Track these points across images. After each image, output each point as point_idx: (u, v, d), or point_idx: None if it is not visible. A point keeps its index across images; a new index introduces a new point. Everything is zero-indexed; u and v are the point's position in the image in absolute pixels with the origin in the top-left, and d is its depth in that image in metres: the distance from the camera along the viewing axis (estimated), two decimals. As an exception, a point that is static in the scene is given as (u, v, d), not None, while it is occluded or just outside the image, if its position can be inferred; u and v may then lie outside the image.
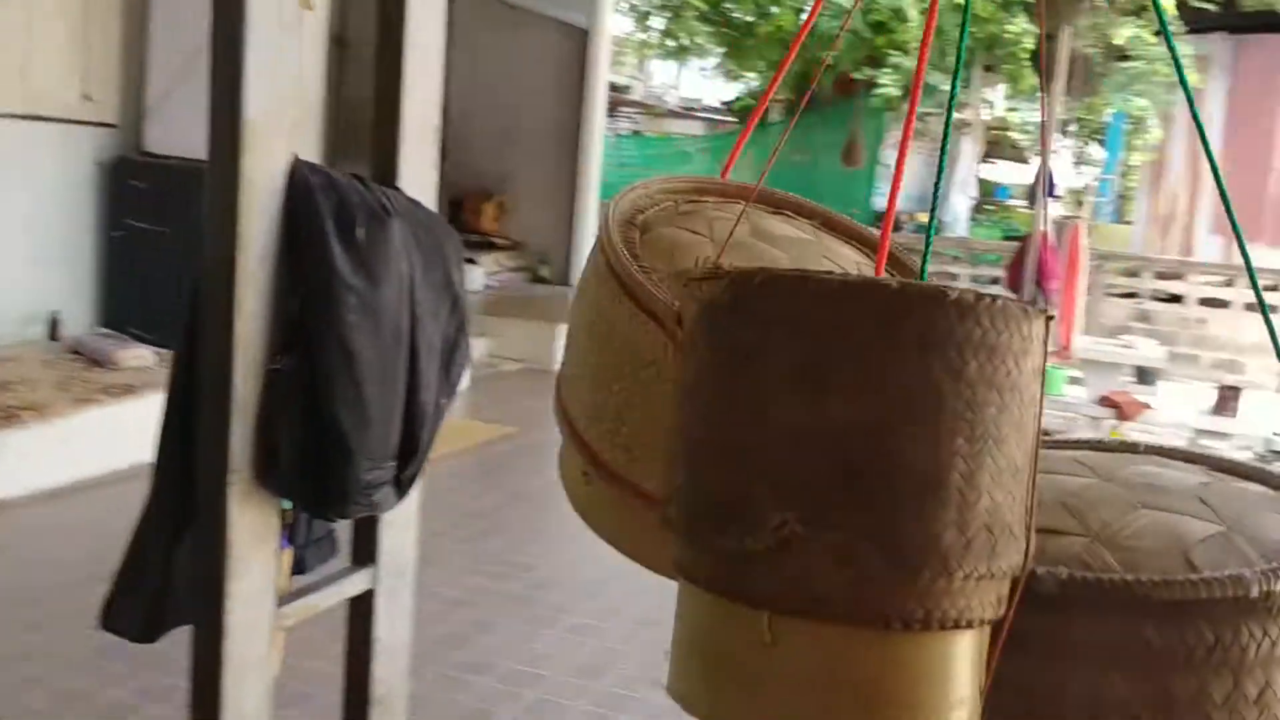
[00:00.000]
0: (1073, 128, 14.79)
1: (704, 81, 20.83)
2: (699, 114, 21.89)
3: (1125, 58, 12.62)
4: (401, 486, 1.78)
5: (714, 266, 0.89)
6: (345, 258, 1.61)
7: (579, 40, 11.23)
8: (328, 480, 1.66)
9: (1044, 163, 8.28)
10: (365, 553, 1.98)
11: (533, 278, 11.44)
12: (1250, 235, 13.74)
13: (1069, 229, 8.13)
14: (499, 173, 11.23)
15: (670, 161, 17.70)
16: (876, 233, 1.34)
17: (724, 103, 20.23)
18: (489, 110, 10.92)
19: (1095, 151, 17.47)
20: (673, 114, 21.87)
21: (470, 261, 10.32)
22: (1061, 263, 8.15)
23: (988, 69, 14.24)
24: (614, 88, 14.76)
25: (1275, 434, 8.93)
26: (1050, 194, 9.61)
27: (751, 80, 16.54)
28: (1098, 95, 12.12)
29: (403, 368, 1.70)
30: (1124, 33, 12.27)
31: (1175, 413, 9.63)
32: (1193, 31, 13.79)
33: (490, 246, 11.11)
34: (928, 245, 1.25)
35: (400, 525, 1.99)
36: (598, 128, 11.73)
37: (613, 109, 15.94)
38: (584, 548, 5.17)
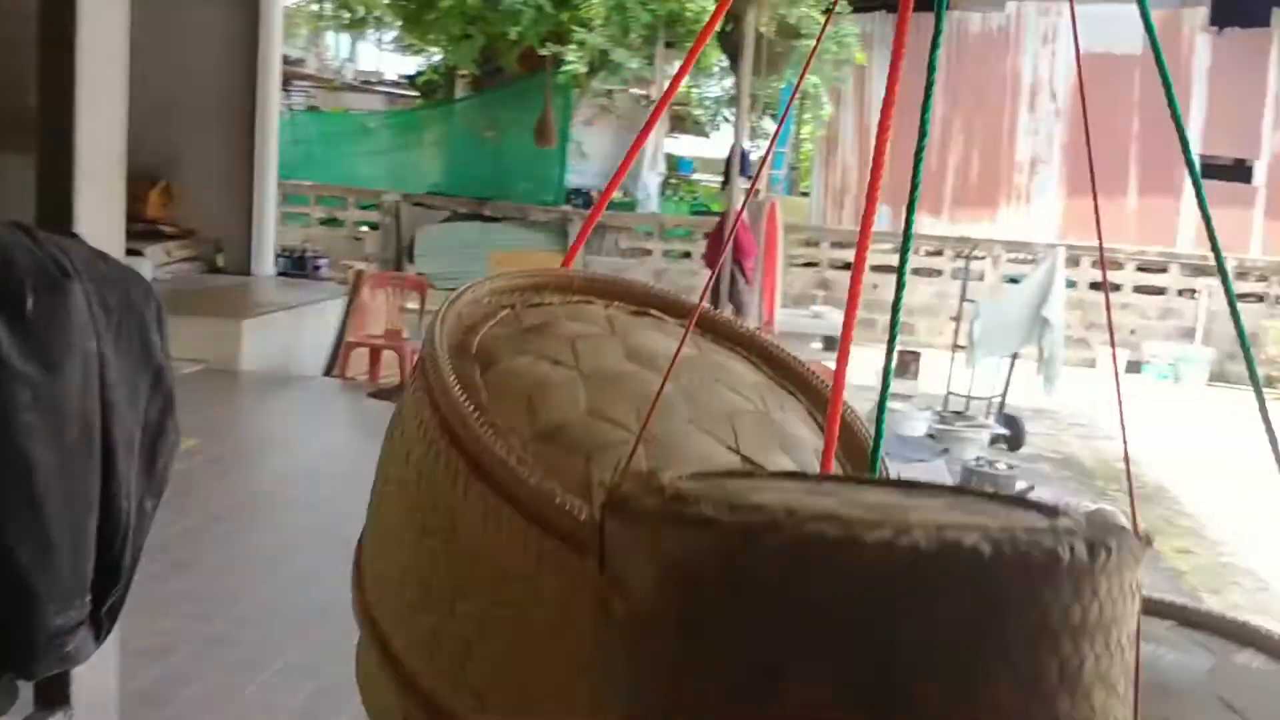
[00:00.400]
0: (745, 103, 15.27)
1: (383, 54, 20.08)
2: (378, 88, 21.08)
3: (798, 36, 13.06)
4: (101, 626, 1.38)
5: (677, 494, 0.56)
6: (12, 339, 1.20)
7: (248, 10, 10.43)
8: (5, 633, 1.25)
9: (738, 141, 8.38)
10: (54, 693, 1.55)
11: (208, 267, 10.57)
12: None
13: (765, 206, 8.27)
14: (163, 154, 10.28)
15: (350, 139, 16.93)
16: (767, 341, 1.05)
17: (405, 77, 19.56)
18: (148, 85, 9.92)
19: (768, 126, 18.10)
20: (350, 88, 20.92)
21: (136, 253, 9.40)
22: (758, 239, 8.27)
23: (669, 45, 14.40)
24: (287, 60, 13.90)
25: (951, 393, 9.50)
26: (744, 173, 9.76)
27: (433, 54, 16.04)
28: (777, 73, 12.47)
29: (95, 473, 1.31)
30: (796, 12, 12.67)
31: (862, 378, 10.10)
32: (857, 10, 14.49)
33: (158, 236, 10.16)
34: (892, 337, 0.98)
35: (100, 656, 1.58)
36: (272, 104, 10.98)
37: (286, 83, 15.04)
38: (290, 575, 4.73)
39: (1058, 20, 15.84)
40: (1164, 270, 15.20)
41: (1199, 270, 15.00)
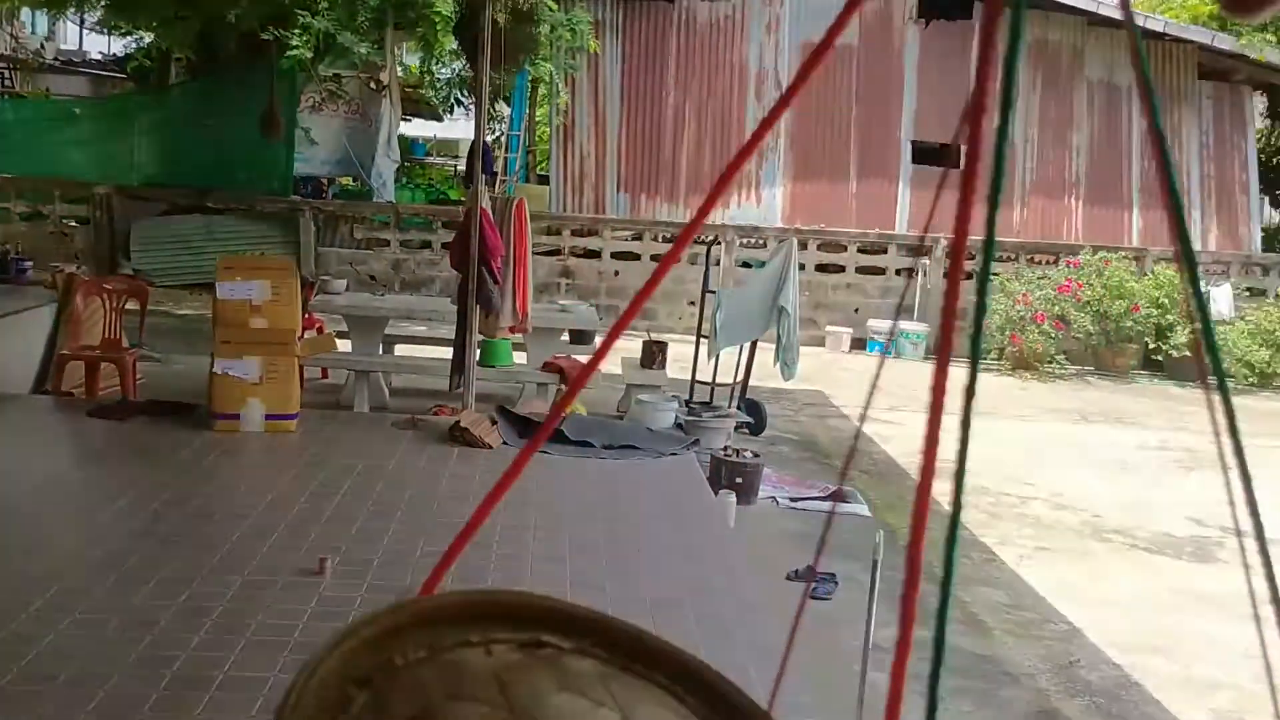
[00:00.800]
0: (485, 98, 15.07)
1: (87, 33, 18.54)
2: (83, 69, 19.49)
3: (533, 22, 12.96)
4: None
5: None
6: None
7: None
8: None
9: (479, 138, 8.18)
10: None
11: (-108, 275, 9.53)
12: (650, 193, 14.86)
13: (513, 203, 8.14)
14: None
15: (54, 126, 15.59)
16: (690, 663, 0.84)
17: (113, 58, 18.18)
18: None
19: (503, 110, 17.96)
20: (52, 69, 19.24)
21: None
22: (508, 237, 8.15)
23: (398, 28, 14.02)
24: (-26, 40, 12.65)
25: (698, 382, 9.68)
26: (487, 169, 9.59)
27: (145, 36, 14.95)
28: (514, 61, 12.31)
29: None
30: (530, -1, 12.58)
31: (612, 369, 10.17)
32: (589, -3, 14.53)
33: None
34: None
35: None
36: (-40, 90, 9.98)
37: (-26, 65, 13.70)
38: (8, 636, 4.25)
39: (780, 10, 16.38)
40: (884, 251, 16.03)
41: (915, 250, 15.89)
